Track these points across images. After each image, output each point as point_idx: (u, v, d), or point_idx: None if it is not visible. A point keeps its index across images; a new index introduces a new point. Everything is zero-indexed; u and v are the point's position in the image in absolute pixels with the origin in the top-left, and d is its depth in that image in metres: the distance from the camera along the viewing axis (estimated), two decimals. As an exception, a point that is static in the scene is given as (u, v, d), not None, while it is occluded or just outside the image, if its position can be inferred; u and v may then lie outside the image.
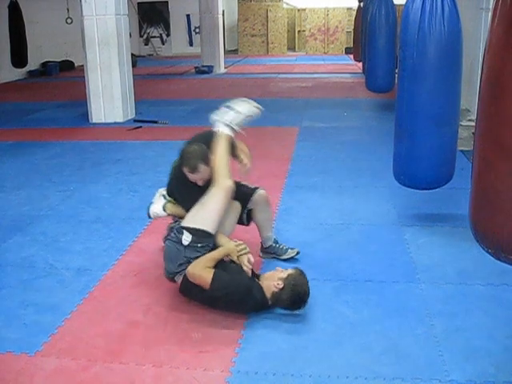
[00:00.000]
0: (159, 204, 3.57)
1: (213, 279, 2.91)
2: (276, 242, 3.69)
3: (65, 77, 14.65)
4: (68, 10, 12.75)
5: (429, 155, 3.92)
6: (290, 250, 3.67)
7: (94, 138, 7.48)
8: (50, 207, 4.72)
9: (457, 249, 3.78)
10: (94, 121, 8.37)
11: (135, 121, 8.37)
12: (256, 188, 3.57)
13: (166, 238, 3.28)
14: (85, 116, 8.51)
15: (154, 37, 22.20)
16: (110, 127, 8.09)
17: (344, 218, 4.40)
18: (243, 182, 3.57)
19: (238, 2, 21.79)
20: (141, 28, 21.85)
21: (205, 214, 3.10)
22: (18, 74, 13.73)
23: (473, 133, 5.20)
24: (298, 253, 3.67)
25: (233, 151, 3.37)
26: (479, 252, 2.27)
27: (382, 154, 5.88)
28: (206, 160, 3.17)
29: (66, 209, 4.71)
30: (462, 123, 6.04)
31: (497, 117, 1.92)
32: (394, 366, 2.59)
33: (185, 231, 3.06)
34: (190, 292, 3.06)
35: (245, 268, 3.07)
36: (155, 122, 8.24)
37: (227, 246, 3.14)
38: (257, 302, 2.98)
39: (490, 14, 1.97)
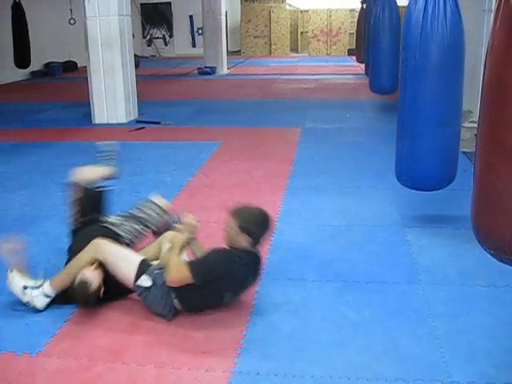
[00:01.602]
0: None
1: (189, 268, 2.89)
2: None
3: (68, 77, 14.70)
4: (71, 10, 12.77)
5: (431, 156, 3.92)
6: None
7: (97, 138, 7.45)
8: (52, 207, 4.71)
9: (459, 250, 3.78)
10: (97, 121, 8.39)
11: (138, 122, 8.38)
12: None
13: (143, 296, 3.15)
14: (88, 117, 8.52)
15: (157, 38, 22.26)
16: (113, 128, 8.09)
17: (346, 219, 4.40)
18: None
19: (241, 3, 21.82)
20: (144, 29, 21.90)
21: (124, 263, 3.09)
22: (21, 74, 13.77)
23: (475, 134, 5.19)
24: None
25: None
26: (481, 253, 2.27)
27: (384, 155, 5.88)
28: (80, 282, 3.04)
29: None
30: (465, 124, 6.01)
31: (498, 119, 1.92)
32: (396, 367, 2.59)
33: (138, 280, 3.02)
34: (191, 298, 2.99)
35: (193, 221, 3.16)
36: (158, 123, 8.25)
37: (173, 240, 3.15)
38: (243, 258, 2.95)
39: (492, 16, 1.97)
